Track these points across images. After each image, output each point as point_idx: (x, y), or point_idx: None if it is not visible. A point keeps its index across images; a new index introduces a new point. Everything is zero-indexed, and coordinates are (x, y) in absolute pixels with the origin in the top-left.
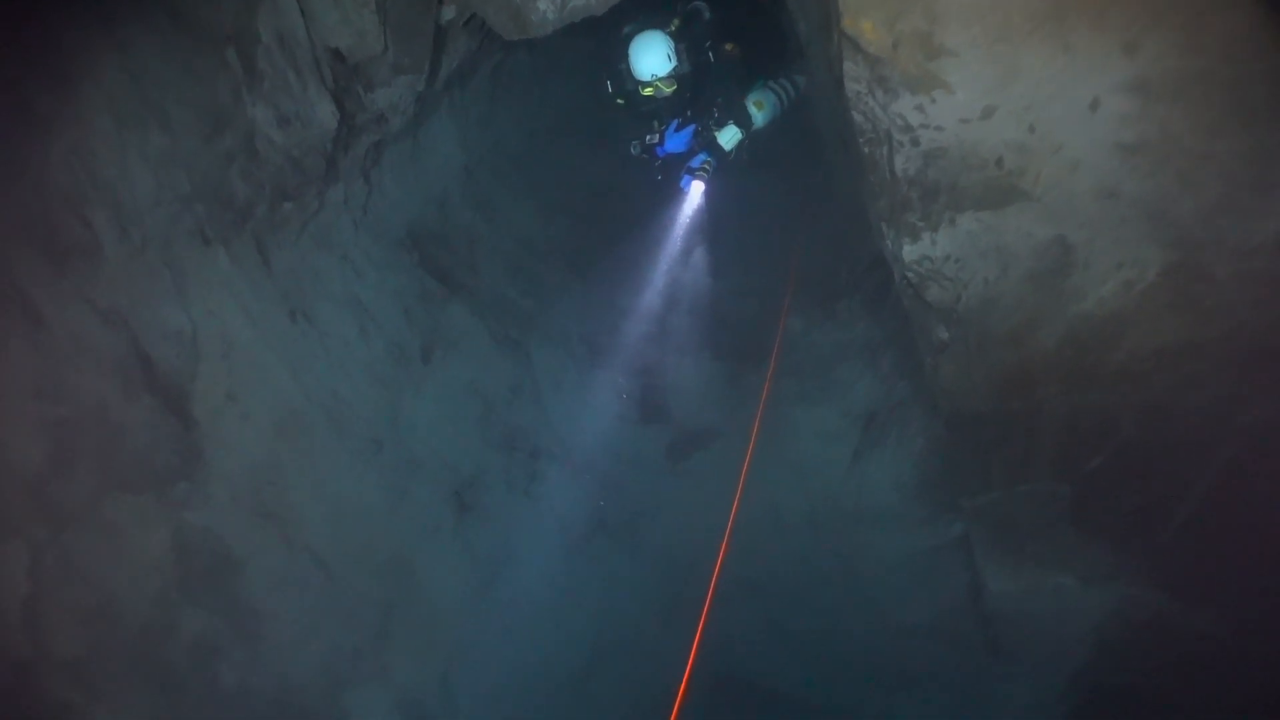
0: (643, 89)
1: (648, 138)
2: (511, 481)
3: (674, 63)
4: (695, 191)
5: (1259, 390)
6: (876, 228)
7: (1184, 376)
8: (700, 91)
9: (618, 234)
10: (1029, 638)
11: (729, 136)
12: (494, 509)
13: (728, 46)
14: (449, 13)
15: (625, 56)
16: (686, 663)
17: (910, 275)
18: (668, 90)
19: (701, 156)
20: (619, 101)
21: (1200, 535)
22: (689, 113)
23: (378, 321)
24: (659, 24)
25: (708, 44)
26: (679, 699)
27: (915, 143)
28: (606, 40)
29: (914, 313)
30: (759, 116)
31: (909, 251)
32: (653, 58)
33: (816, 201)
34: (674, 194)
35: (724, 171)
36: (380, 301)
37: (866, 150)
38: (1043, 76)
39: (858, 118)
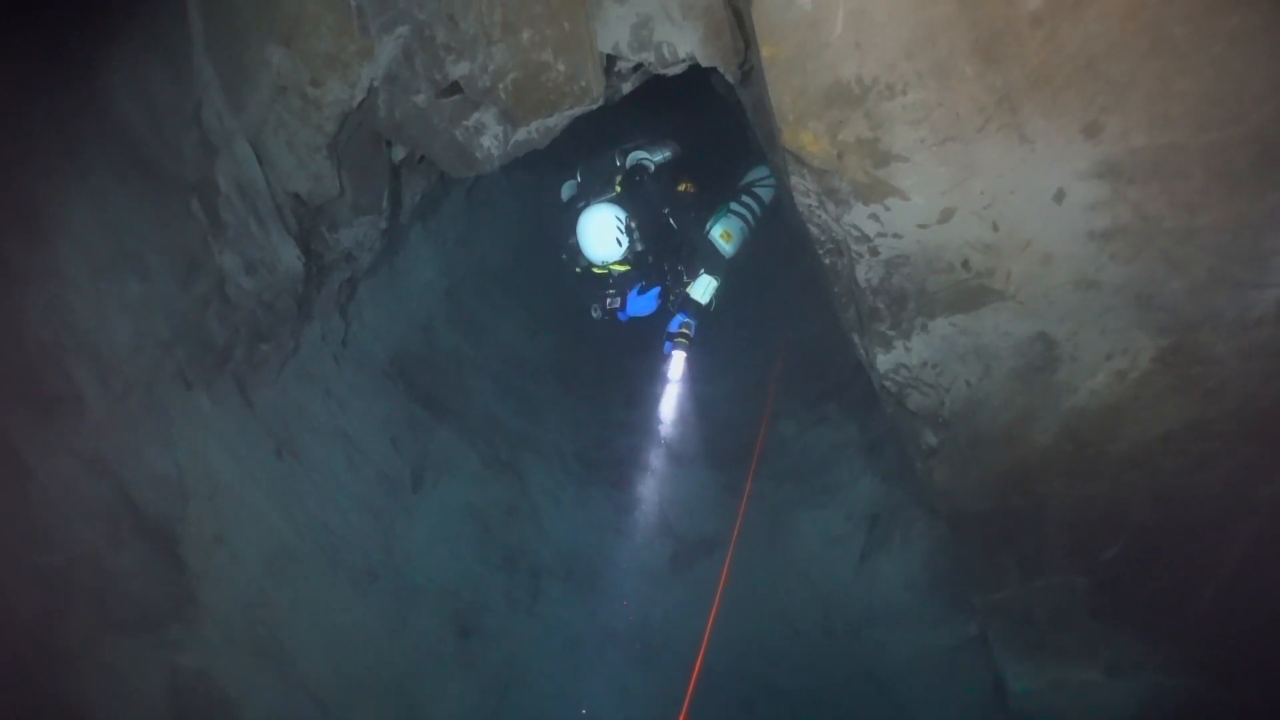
0: (596, 270)
1: (609, 302)
2: (514, 602)
3: (624, 245)
4: (677, 363)
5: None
6: (848, 338)
7: (1194, 459)
8: (661, 255)
9: (606, 345)
10: None
11: (704, 288)
12: (498, 631)
13: (681, 187)
14: (398, 153)
15: (575, 232)
16: None
17: (888, 384)
18: (622, 269)
19: (680, 318)
20: (576, 270)
21: (1230, 611)
22: (653, 275)
23: (365, 452)
24: (601, 187)
25: (665, 210)
26: None
27: (874, 252)
28: (557, 199)
29: (898, 420)
30: (729, 248)
31: (883, 361)
32: (602, 243)
33: (800, 301)
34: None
35: (708, 327)
36: (366, 432)
37: (827, 261)
38: (1001, 171)
39: (813, 230)
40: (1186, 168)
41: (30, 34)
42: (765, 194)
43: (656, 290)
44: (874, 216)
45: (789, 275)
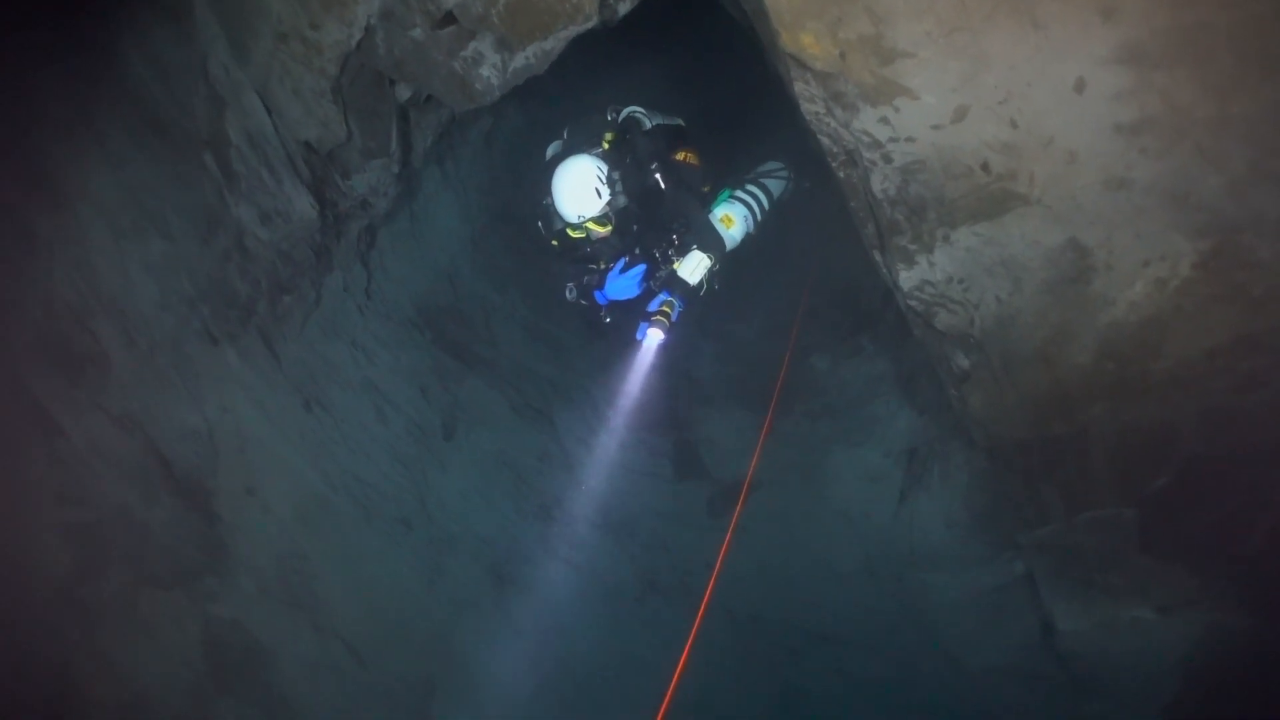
0: (571, 231)
1: (585, 279)
2: (551, 550)
3: (606, 197)
4: (651, 343)
5: None
6: (870, 257)
7: (1243, 376)
8: (649, 223)
9: None
10: (1111, 675)
11: (693, 266)
12: (535, 580)
13: (680, 155)
14: (404, 92)
15: (550, 191)
16: None
17: (914, 304)
18: (602, 230)
19: (662, 296)
20: (553, 243)
21: None
22: (637, 250)
23: (394, 403)
24: (588, 143)
25: (653, 164)
26: None
27: (888, 159)
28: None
29: (928, 342)
30: (730, 236)
31: (906, 278)
32: (578, 194)
33: (828, 228)
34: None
35: (692, 313)
36: (395, 383)
37: (841, 174)
38: (1014, 61)
39: (824, 141)
40: (1214, 49)
41: (35, 3)
42: (775, 186)
43: (640, 270)
44: (884, 120)
45: (814, 204)
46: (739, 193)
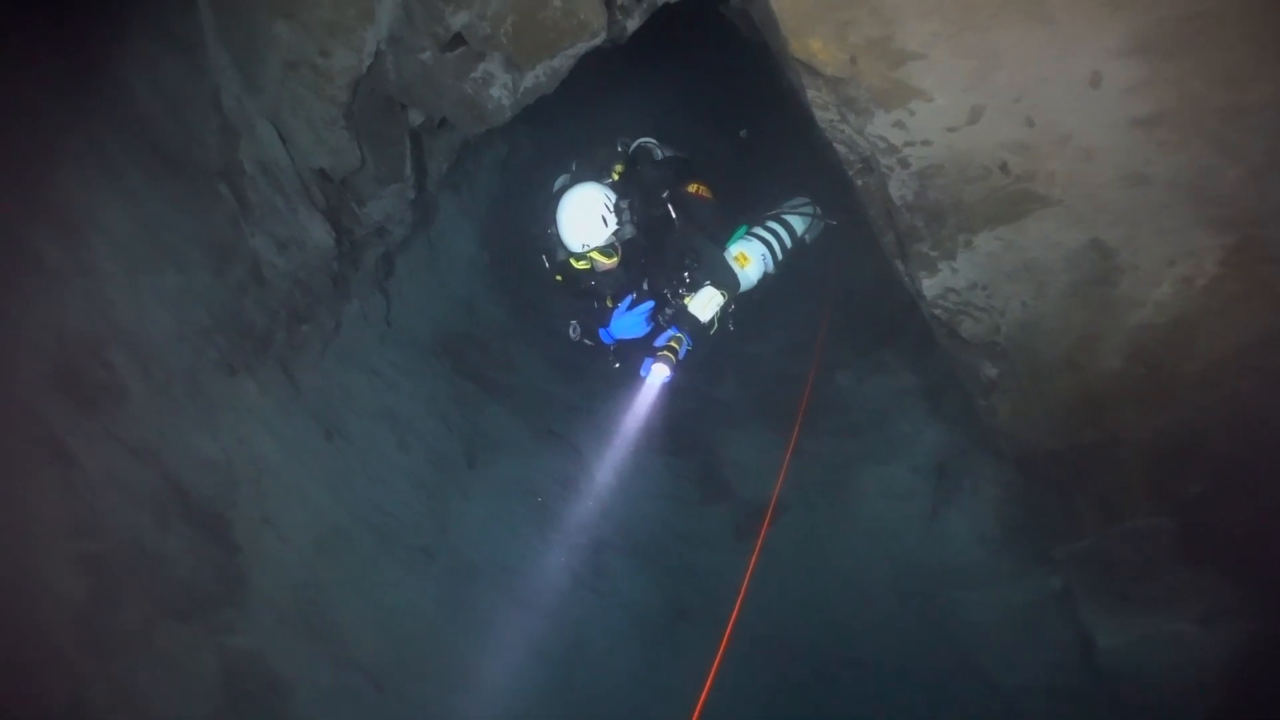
0: (574, 262)
1: (589, 317)
2: (576, 578)
3: (612, 226)
4: (656, 380)
5: None
6: (891, 265)
7: (1272, 375)
8: (658, 258)
9: None
10: (1150, 691)
11: (705, 301)
12: (560, 608)
13: (691, 188)
14: (417, 117)
15: (554, 220)
16: None
17: (938, 312)
18: (607, 262)
19: (670, 332)
20: (558, 279)
21: None
22: (645, 286)
23: (416, 431)
24: (597, 172)
25: (664, 194)
26: None
27: (904, 164)
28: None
29: (953, 352)
30: (745, 275)
31: (929, 286)
32: (583, 222)
33: (848, 240)
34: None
35: (700, 352)
36: (416, 411)
37: (859, 182)
38: (1026, 58)
39: (840, 149)
40: (1224, 37)
41: (46, 37)
42: (798, 223)
43: (648, 307)
44: (898, 124)
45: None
46: (757, 229)
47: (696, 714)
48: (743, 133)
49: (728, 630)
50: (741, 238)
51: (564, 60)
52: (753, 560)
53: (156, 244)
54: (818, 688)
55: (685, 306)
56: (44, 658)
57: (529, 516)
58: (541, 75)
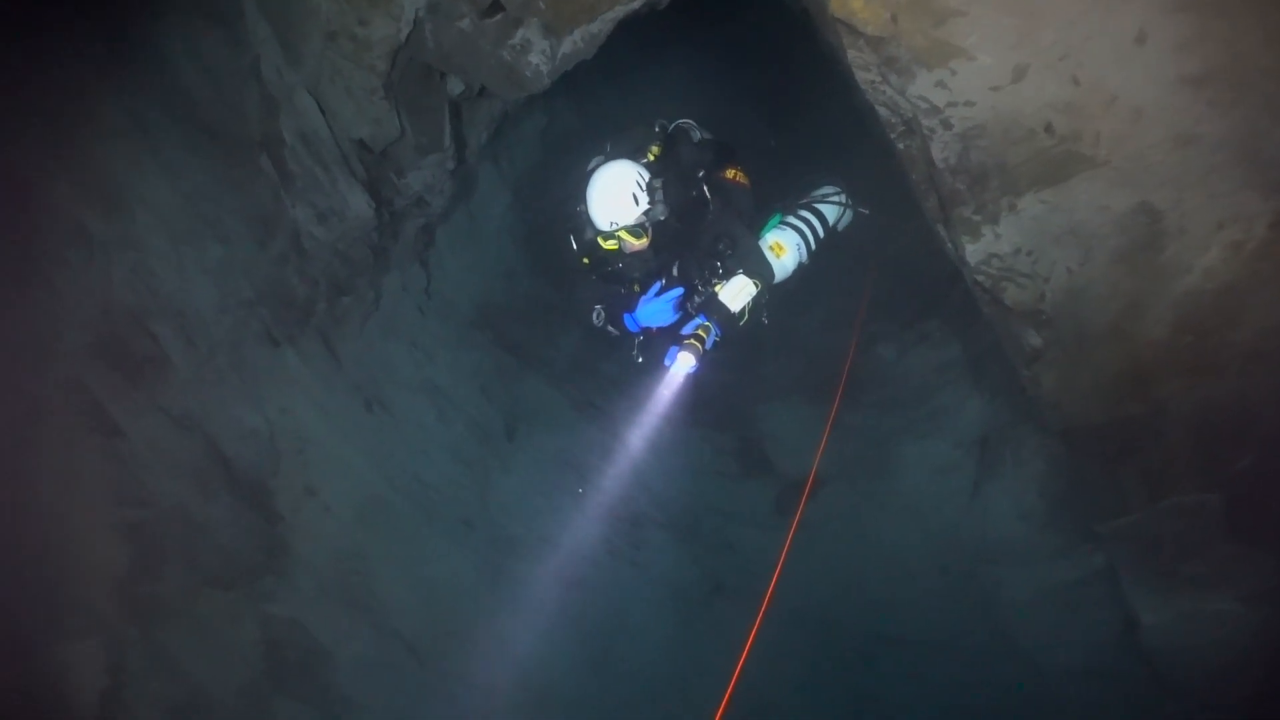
0: (602, 241)
1: (614, 302)
2: (615, 551)
3: (644, 205)
4: (681, 369)
5: None
6: (934, 231)
7: None
8: (690, 243)
9: None
10: (1193, 670)
11: (736, 290)
12: (599, 581)
13: (729, 173)
14: (456, 85)
15: (584, 197)
16: None
17: (981, 279)
18: (637, 244)
19: (698, 320)
20: (585, 261)
21: None
22: (675, 272)
23: (455, 403)
24: (632, 152)
25: (700, 174)
26: None
27: (947, 125)
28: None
29: (997, 321)
30: (781, 265)
31: (973, 252)
32: (613, 199)
33: (889, 209)
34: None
35: (729, 343)
36: (456, 383)
37: (901, 146)
38: (1071, 15)
39: (881, 111)
40: None
41: (87, 14)
42: (830, 212)
43: (677, 294)
44: (940, 84)
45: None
46: (790, 218)
47: (731, 687)
48: (772, 143)
49: (763, 605)
50: (776, 226)
51: (602, 25)
52: (790, 534)
53: (199, 216)
54: (856, 664)
55: (715, 294)
56: (87, 623)
57: (568, 489)
58: (580, 41)
